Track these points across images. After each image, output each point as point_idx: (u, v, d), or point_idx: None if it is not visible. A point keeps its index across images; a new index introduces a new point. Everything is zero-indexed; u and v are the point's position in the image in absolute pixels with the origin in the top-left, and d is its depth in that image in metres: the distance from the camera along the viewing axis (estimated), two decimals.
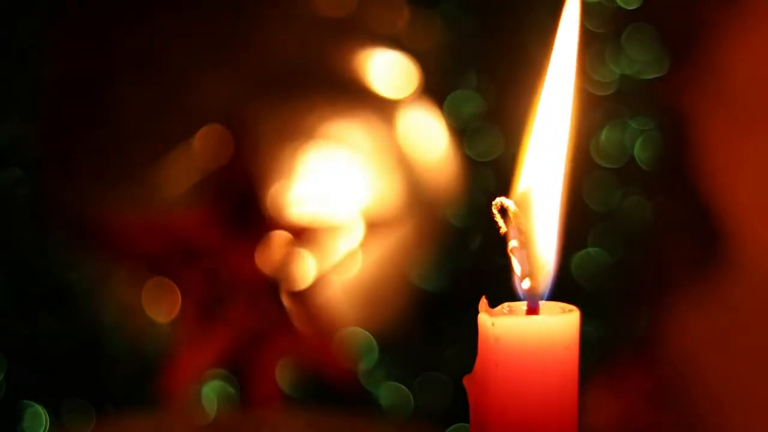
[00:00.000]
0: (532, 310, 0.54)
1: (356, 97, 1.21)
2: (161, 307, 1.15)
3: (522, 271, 0.54)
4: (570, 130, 0.56)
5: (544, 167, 0.55)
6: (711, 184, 1.19)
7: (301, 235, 1.14)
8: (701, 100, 1.18)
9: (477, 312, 0.54)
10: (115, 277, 1.18)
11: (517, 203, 0.54)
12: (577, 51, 0.56)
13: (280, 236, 1.13)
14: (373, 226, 1.17)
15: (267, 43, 1.21)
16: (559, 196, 0.55)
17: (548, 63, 0.56)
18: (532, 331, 0.53)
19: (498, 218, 0.54)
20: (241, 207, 1.12)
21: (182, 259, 1.11)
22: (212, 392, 1.15)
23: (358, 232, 1.17)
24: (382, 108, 1.21)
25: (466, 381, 0.55)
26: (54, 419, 1.14)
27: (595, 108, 1.19)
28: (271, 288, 1.12)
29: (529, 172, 0.56)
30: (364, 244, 1.17)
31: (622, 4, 1.18)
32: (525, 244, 0.54)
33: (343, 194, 1.20)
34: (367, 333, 1.19)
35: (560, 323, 0.54)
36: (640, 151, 1.20)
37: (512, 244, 0.54)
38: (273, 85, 1.21)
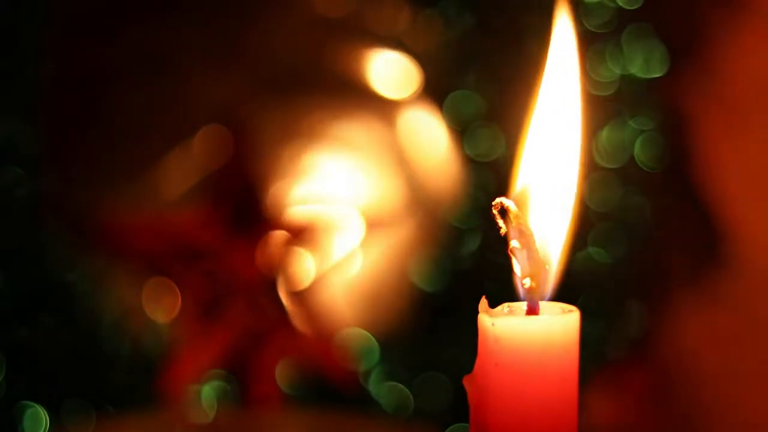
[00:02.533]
0: (532, 310, 0.54)
1: (356, 97, 1.21)
2: (161, 307, 1.15)
3: (522, 271, 0.54)
4: (579, 129, 0.56)
5: (546, 166, 0.55)
6: (711, 184, 1.19)
7: (301, 235, 1.14)
8: (701, 100, 1.18)
9: (477, 312, 0.54)
10: (115, 277, 1.18)
11: (515, 201, 0.54)
12: (576, 50, 0.56)
13: (280, 236, 1.13)
14: (373, 226, 1.17)
15: (267, 44, 1.21)
16: (569, 197, 0.55)
17: (545, 62, 0.56)
18: (532, 332, 0.53)
19: (498, 218, 0.54)
20: (241, 207, 1.12)
21: (182, 259, 1.11)
22: (212, 392, 1.15)
23: (358, 232, 1.17)
24: (382, 108, 1.21)
25: (466, 381, 0.55)
26: (54, 419, 1.14)
27: (595, 108, 1.19)
28: (271, 288, 1.13)
29: (529, 171, 0.56)
30: (364, 244, 1.17)
31: (622, 4, 1.18)
32: (525, 245, 0.54)
33: (343, 194, 1.20)
34: (367, 333, 1.19)
35: (560, 323, 0.54)
36: (640, 151, 1.20)
37: (512, 244, 0.54)
38: (273, 85, 1.21)
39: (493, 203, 0.54)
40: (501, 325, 0.53)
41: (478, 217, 1.20)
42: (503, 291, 0.56)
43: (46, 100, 1.19)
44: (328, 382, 1.14)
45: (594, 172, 1.20)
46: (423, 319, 1.22)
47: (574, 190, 0.55)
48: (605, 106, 1.20)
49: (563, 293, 0.56)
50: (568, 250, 0.56)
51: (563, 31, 0.57)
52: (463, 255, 1.22)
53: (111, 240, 1.12)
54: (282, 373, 1.15)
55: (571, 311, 0.54)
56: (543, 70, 0.56)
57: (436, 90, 1.21)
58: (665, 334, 1.22)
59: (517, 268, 0.54)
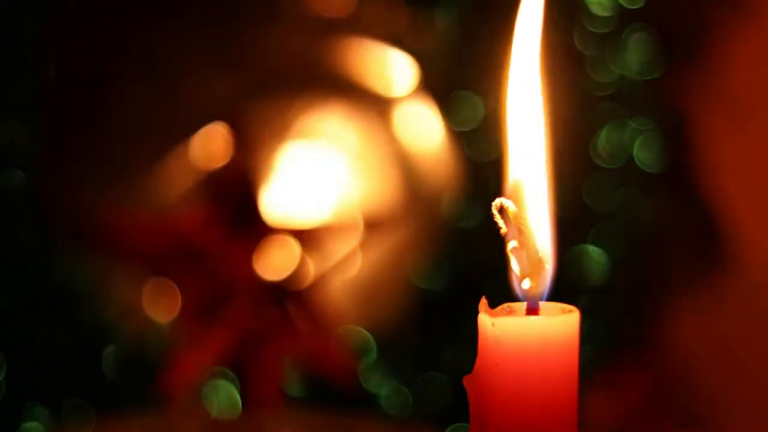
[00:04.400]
0: (532, 310, 0.54)
1: (356, 97, 1.21)
2: (161, 307, 1.15)
3: (522, 271, 0.54)
4: (544, 118, 0.55)
5: (527, 161, 0.55)
6: (711, 184, 1.19)
7: (301, 235, 1.14)
8: (701, 100, 1.19)
9: (477, 312, 0.54)
10: (115, 278, 1.18)
11: (510, 197, 0.54)
12: (539, 35, 0.56)
13: (279, 236, 1.13)
14: (373, 226, 1.17)
15: (267, 44, 1.21)
16: (546, 191, 0.55)
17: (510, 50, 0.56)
18: (532, 332, 0.53)
19: (498, 218, 0.54)
20: (241, 207, 1.12)
21: (182, 259, 1.11)
22: (212, 392, 1.15)
23: (358, 232, 1.17)
24: (383, 108, 1.21)
25: (466, 381, 0.55)
26: (54, 419, 1.14)
27: (595, 108, 1.19)
28: (271, 288, 1.13)
29: (514, 167, 0.55)
30: (364, 244, 1.17)
31: (622, 4, 1.18)
32: (525, 245, 0.54)
33: (343, 194, 1.20)
34: (367, 333, 1.19)
35: (560, 323, 0.54)
36: (639, 152, 1.20)
37: (512, 244, 0.54)
38: (273, 86, 1.21)
39: (493, 203, 0.54)
40: (501, 325, 0.53)
41: (478, 217, 1.20)
42: (503, 291, 0.56)
43: (46, 100, 1.19)
44: (328, 382, 1.13)
45: (594, 172, 1.20)
46: (423, 319, 1.22)
47: (548, 183, 0.55)
48: (605, 106, 1.20)
49: (563, 293, 0.56)
50: (563, 249, 0.56)
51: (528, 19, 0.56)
52: (462, 255, 1.22)
53: (111, 240, 1.12)
54: (282, 373, 1.15)
55: (571, 311, 0.54)
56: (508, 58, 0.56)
57: (436, 90, 1.21)
58: (665, 333, 1.22)
59: (516, 268, 0.54)
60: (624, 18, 1.19)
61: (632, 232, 1.21)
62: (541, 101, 0.55)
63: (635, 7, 1.18)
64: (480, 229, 1.20)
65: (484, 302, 0.54)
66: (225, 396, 1.16)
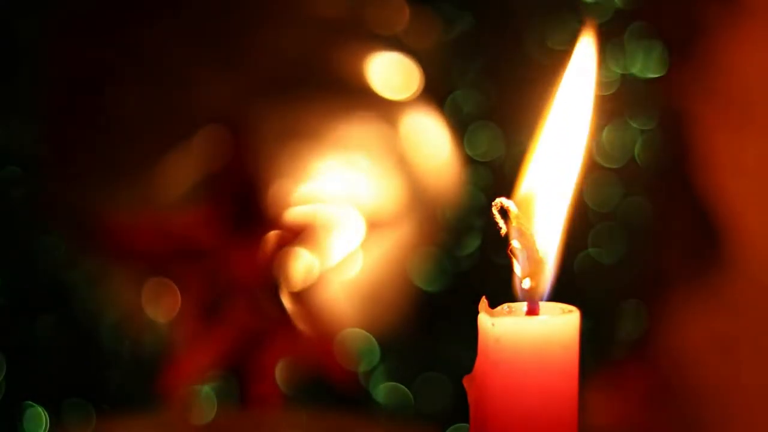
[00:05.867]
0: (532, 310, 0.54)
1: (356, 97, 1.21)
2: (161, 307, 1.15)
3: (522, 271, 0.54)
4: (587, 137, 0.56)
5: (553, 170, 0.55)
6: (711, 184, 1.19)
7: (302, 235, 1.14)
8: (701, 100, 1.18)
9: (477, 312, 0.54)
10: (115, 277, 1.18)
11: (519, 204, 0.54)
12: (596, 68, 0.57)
13: (280, 236, 1.13)
14: (374, 226, 1.17)
15: (267, 43, 1.21)
16: (567, 200, 0.55)
17: (563, 72, 0.57)
18: (532, 332, 0.53)
19: (498, 218, 0.54)
20: (241, 207, 1.12)
21: (182, 259, 1.11)
22: (212, 392, 1.15)
23: (359, 232, 1.17)
24: (383, 108, 1.21)
25: (466, 381, 0.55)
26: (54, 419, 1.14)
27: (595, 108, 1.19)
28: (271, 288, 1.13)
29: (536, 174, 0.56)
30: (364, 244, 1.17)
31: (622, 4, 1.18)
32: (525, 245, 0.54)
33: (343, 194, 1.20)
34: (367, 333, 1.19)
35: (560, 324, 0.54)
36: (640, 151, 1.20)
37: (512, 244, 0.54)
38: (273, 85, 1.21)
39: (493, 203, 0.54)
40: (501, 325, 0.53)
41: (478, 217, 1.20)
42: (503, 291, 0.56)
43: (46, 100, 1.19)
44: (328, 382, 1.13)
45: (594, 172, 1.20)
46: (423, 319, 1.22)
47: (571, 191, 0.56)
48: (605, 106, 1.20)
49: (563, 293, 0.56)
50: (565, 250, 0.56)
51: (584, 50, 0.57)
52: (462, 255, 1.22)
53: (111, 240, 1.12)
54: (282, 373, 1.15)
55: (571, 311, 0.54)
56: (560, 79, 0.57)
57: (436, 90, 1.21)
58: (665, 334, 1.22)
59: (517, 268, 0.54)
60: (624, 18, 1.19)
61: (632, 232, 1.21)
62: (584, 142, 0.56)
63: (635, 7, 1.18)
64: (480, 229, 1.20)
65: (484, 302, 0.54)
66: (224, 396, 1.16)
